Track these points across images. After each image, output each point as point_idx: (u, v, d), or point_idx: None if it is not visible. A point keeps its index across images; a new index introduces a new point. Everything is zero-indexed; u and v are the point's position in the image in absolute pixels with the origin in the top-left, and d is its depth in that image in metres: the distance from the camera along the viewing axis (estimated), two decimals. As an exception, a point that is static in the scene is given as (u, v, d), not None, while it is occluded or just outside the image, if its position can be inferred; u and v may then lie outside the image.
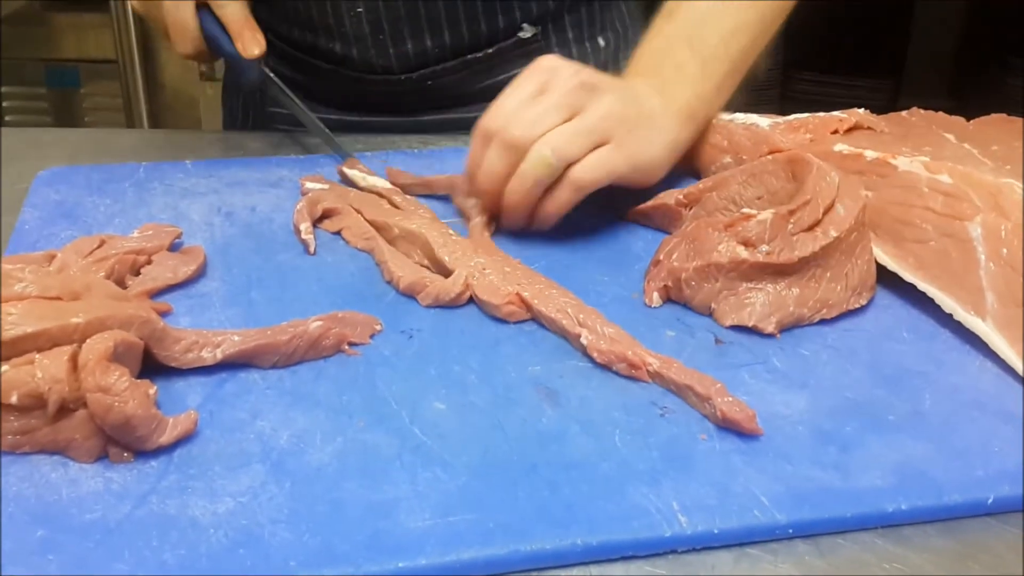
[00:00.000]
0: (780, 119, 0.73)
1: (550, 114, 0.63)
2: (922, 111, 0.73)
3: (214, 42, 0.74)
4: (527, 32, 0.86)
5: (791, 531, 0.45)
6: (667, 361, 0.53)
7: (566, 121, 0.63)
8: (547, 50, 0.87)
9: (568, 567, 0.44)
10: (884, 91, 2.39)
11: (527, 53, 0.86)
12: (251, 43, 0.73)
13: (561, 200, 0.64)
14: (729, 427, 0.50)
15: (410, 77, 0.86)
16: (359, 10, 0.82)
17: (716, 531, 0.45)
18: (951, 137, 0.67)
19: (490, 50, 0.86)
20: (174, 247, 0.62)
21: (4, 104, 1.98)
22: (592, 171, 0.64)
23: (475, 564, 0.43)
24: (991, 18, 2.36)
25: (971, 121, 0.71)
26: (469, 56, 0.86)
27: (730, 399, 0.50)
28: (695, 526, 0.45)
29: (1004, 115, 0.72)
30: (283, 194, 0.71)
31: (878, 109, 0.73)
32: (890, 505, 0.46)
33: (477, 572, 0.43)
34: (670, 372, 0.53)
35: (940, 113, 0.73)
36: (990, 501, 0.47)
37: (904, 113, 0.73)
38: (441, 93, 0.87)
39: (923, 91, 2.27)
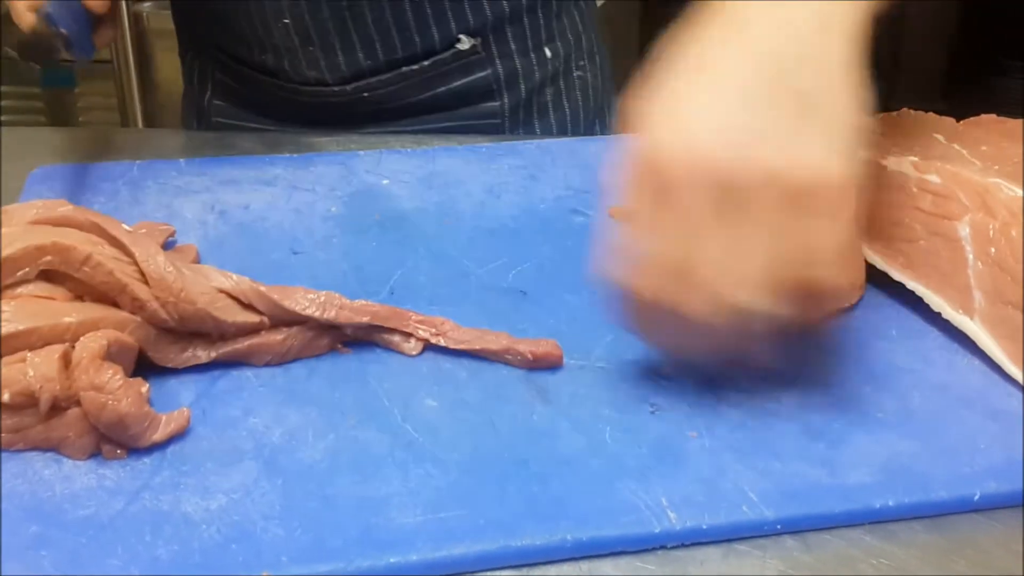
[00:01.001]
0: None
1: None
2: (912, 112, 0.73)
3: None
4: (465, 44, 0.83)
5: (779, 527, 0.46)
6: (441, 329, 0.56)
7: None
8: (489, 62, 0.85)
9: (558, 563, 0.44)
10: (877, 92, 2.40)
11: (467, 65, 0.84)
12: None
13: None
14: (542, 365, 0.54)
15: (344, 89, 0.84)
16: (285, 21, 0.80)
17: (705, 527, 0.45)
18: (940, 137, 0.68)
19: (426, 62, 0.84)
20: (168, 245, 0.63)
21: (0, 103, 1.98)
22: (831, 257, 0.46)
23: (466, 560, 0.44)
24: (984, 20, 2.37)
25: (961, 122, 0.71)
26: (404, 68, 0.83)
27: (527, 340, 0.54)
28: (684, 522, 0.45)
29: (994, 116, 0.73)
30: (277, 192, 0.72)
31: (872, 109, 0.73)
32: (877, 501, 0.47)
33: (468, 568, 0.44)
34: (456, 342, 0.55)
35: (930, 114, 0.73)
36: (977, 497, 0.47)
37: (894, 114, 0.73)
38: (379, 106, 0.85)
39: (916, 93, 2.27)
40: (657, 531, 0.45)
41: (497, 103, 0.87)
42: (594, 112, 0.94)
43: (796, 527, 0.46)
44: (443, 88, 0.85)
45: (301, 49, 0.82)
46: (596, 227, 0.58)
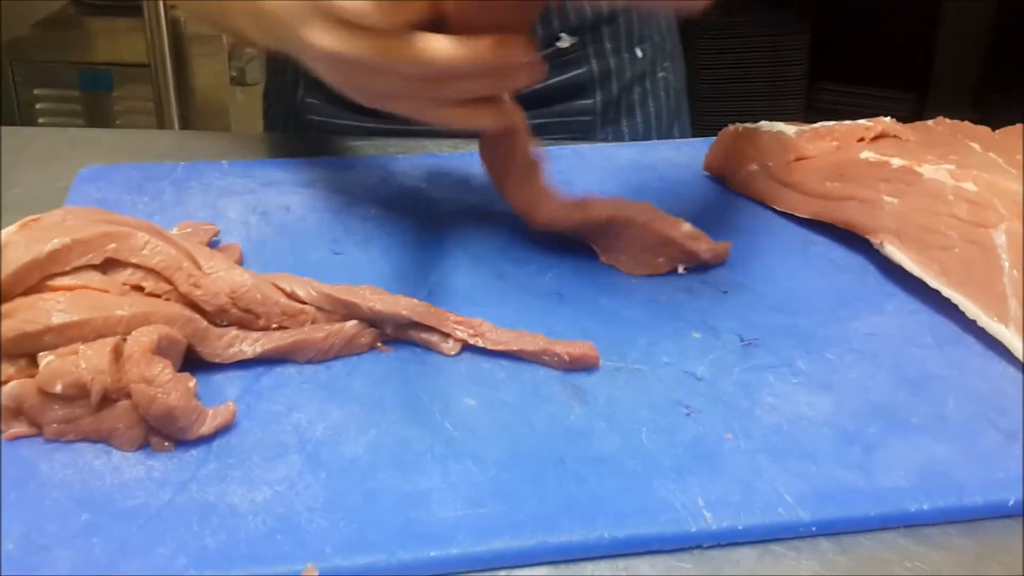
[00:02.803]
0: (806, 127, 0.74)
1: None
2: (947, 120, 0.73)
3: None
4: (565, 42, 0.87)
5: (814, 529, 0.46)
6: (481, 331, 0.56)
7: None
8: (585, 59, 0.88)
9: (595, 560, 0.45)
10: (909, 102, 2.39)
11: (565, 63, 0.87)
12: None
13: None
14: (578, 366, 0.55)
15: None
16: None
17: (741, 527, 0.46)
18: (976, 146, 0.68)
19: None
20: (212, 244, 0.64)
21: (38, 106, 2.01)
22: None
23: (505, 554, 0.44)
24: (1017, 30, 2.36)
25: (996, 131, 0.72)
26: None
27: (563, 342, 0.55)
28: (720, 522, 0.46)
29: (1030, 125, 0.73)
30: (316, 194, 0.73)
31: (903, 120, 0.74)
32: (912, 505, 0.47)
33: (507, 562, 0.44)
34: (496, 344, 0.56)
35: (965, 122, 0.73)
36: (1011, 503, 0.48)
37: (930, 122, 0.74)
38: None
39: (947, 102, 2.27)
40: (694, 530, 0.45)
41: (590, 100, 0.90)
42: (673, 113, 0.96)
43: (831, 529, 0.46)
44: (541, 84, 0.87)
45: None
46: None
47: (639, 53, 0.92)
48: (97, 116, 1.99)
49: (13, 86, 2.00)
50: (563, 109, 0.90)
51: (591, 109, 0.91)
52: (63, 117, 2.00)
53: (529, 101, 0.87)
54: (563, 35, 0.86)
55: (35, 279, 0.49)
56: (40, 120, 2.01)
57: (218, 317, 0.53)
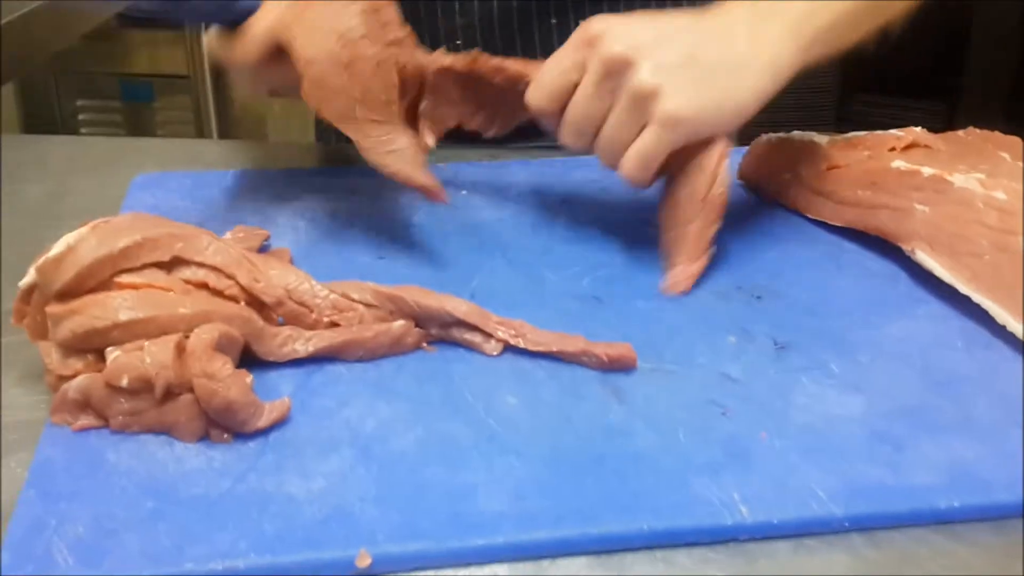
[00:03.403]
0: (838, 137, 0.75)
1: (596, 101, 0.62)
2: (978, 130, 0.75)
3: None
4: None
5: (847, 524, 0.48)
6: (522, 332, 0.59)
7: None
8: None
9: (635, 551, 0.47)
10: (940, 114, 2.39)
11: None
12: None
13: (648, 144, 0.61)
14: (616, 367, 0.57)
15: None
16: (458, 42, 0.85)
17: (775, 521, 0.47)
18: (1006, 156, 0.69)
19: None
20: (263, 249, 0.67)
21: (81, 116, 2.06)
22: (633, 166, 0.62)
23: (548, 544, 0.46)
24: (1051, 41, 2.35)
25: (1027, 141, 0.73)
26: None
27: (603, 344, 0.57)
28: (755, 516, 0.47)
29: (1060, 136, 0.74)
30: (362, 201, 0.75)
31: (934, 130, 0.75)
32: (942, 502, 0.48)
33: (550, 552, 0.46)
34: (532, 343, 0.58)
35: (996, 133, 0.74)
36: (1039, 501, 0.49)
37: (960, 132, 0.75)
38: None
39: (979, 114, 2.26)
40: (729, 524, 0.47)
41: None
42: None
43: (863, 524, 0.48)
44: None
45: None
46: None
47: None
48: (138, 126, 2.03)
49: (57, 97, 2.04)
50: None
51: None
52: (105, 127, 2.05)
53: None
54: None
55: (107, 274, 0.52)
56: (82, 130, 2.06)
57: (275, 310, 0.55)
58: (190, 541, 0.45)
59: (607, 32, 0.61)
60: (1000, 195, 0.62)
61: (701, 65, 0.61)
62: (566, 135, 0.64)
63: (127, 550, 0.45)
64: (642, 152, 0.61)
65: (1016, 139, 0.73)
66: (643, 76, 0.60)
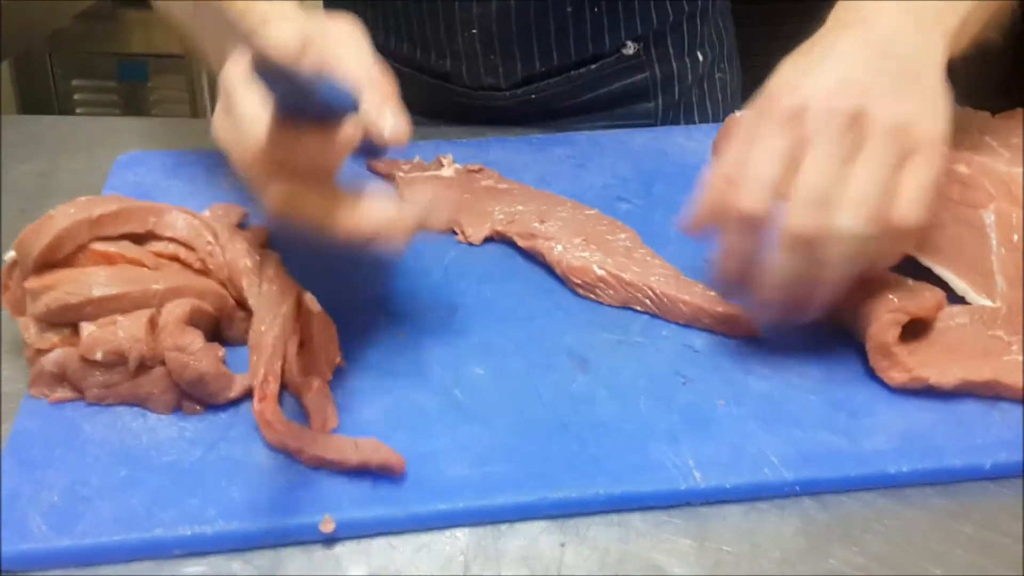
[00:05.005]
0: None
1: (826, 176, 0.51)
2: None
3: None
4: (630, 49, 0.88)
5: (798, 488, 0.49)
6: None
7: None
8: (648, 65, 0.90)
9: (592, 515, 0.49)
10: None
11: (628, 68, 0.90)
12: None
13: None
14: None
15: (515, 93, 0.89)
16: (473, 31, 0.85)
17: (728, 486, 0.49)
18: (973, 130, 0.70)
19: (593, 66, 0.89)
20: (242, 226, 0.68)
21: (76, 96, 2.07)
22: (918, 203, 0.52)
23: (507, 509, 0.48)
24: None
25: (995, 115, 0.74)
26: (573, 72, 0.89)
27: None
28: (709, 481, 0.49)
29: (1029, 110, 0.75)
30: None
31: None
32: (892, 467, 0.50)
33: (509, 516, 0.48)
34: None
35: (966, 108, 0.75)
36: (988, 466, 0.50)
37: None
38: (542, 107, 0.90)
39: (975, 88, 2.25)
40: (683, 488, 0.49)
41: (652, 104, 0.92)
42: (730, 112, 0.98)
43: (814, 489, 0.49)
44: (604, 90, 0.90)
45: (482, 56, 0.87)
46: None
47: (700, 56, 0.93)
48: (133, 105, 2.04)
49: (52, 76, 2.05)
50: (624, 112, 0.92)
51: (651, 112, 0.93)
52: (101, 107, 2.06)
53: (590, 107, 0.91)
54: (628, 43, 0.89)
55: (83, 238, 0.54)
56: (78, 110, 2.07)
57: (230, 288, 0.57)
58: (161, 506, 0.47)
59: (806, 96, 0.53)
60: (962, 168, 0.63)
61: (907, 78, 0.54)
62: (801, 216, 0.51)
63: (100, 516, 0.46)
64: (921, 186, 0.52)
65: (985, 113, 0.74)
66: (887, 111, 0.52)
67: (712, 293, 0.60)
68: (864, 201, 0.50)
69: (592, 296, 0.62)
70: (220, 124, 0.52)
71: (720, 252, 0.55)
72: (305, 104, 0.48)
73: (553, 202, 0.70)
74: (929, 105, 0.54)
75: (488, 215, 0.69)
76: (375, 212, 0.51)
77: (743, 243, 0.53)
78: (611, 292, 0.62)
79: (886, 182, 0.51)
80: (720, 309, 0.59)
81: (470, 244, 0.68)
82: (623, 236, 0.66)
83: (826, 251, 0.51)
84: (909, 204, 0.51)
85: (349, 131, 0.49)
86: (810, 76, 0.53)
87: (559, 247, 0.64)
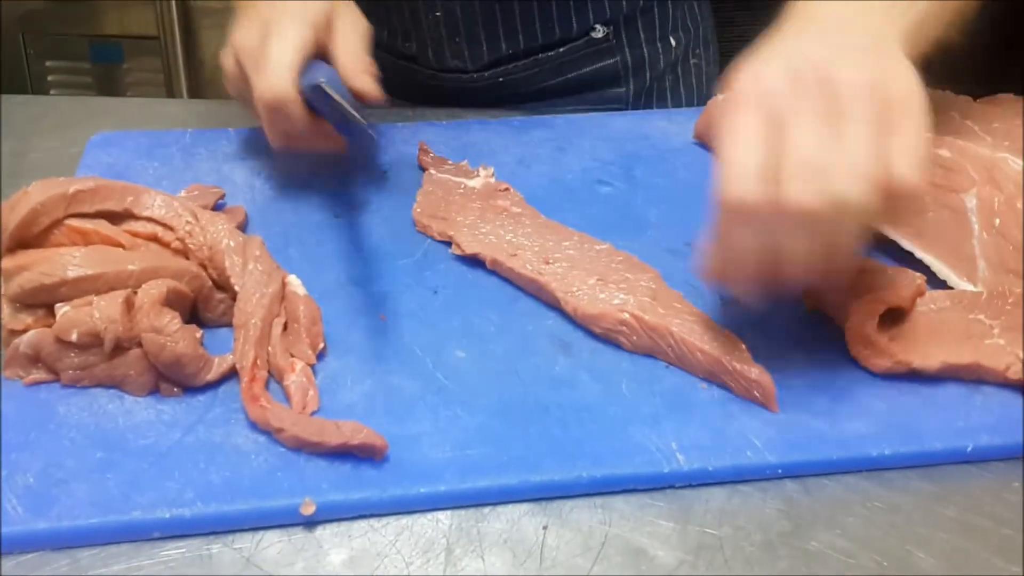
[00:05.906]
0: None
1: (819, 150, 0.49)
2: (930, 90, 0.75)
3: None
4: (599, 32, 0.88)
5: (780, 471, 0.49)
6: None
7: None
8: (619, 49, 0.90)
9: (575, 498, 0.48)
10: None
11: (597, 52, 0.89)
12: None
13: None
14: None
15: (482, 75, 0.89)
16: (437, 13, 0.85)
17: (710, 469, 0.49)
18: (955, 115, 0.70)
19: (562, 49, 0.88)
20: (218, 207, 0.67)
21: (50, 78, 2.04)
22: (914, 163, 0.49)
23: (489, 492, 0.48)
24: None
25: (977, 100, 0.74)
26: (541, 55, 0.88)
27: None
28: (691, 464, 0.49)
29: (1011, 95, 0.75)
30: (319, 160, 0.75)
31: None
32: (874, 450, 0.50)
33: (491, 499, 0.48)
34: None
35: (947, 92, 0.75)
36: (969, 449, 0.50)
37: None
38: (510, 90, 0.90)
39: (952, 72, 2.25)
40: (666, 471, 0.49)
41: (623, 89, 0.92)
42: (705, 97, 0.98)
43: (797, 472, 0.49)
44: (573, 74, 0.90)
45: (447, 39, 0.87)
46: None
47: (672, 42, 0.93)
48: (108, 87, 2.01)
49: (26, 58, 2.02)
50: (595, 97, 0.92)
51: (623, 97, 0.93)
52: (75, 89, 2.03)
53: (560, 91, 0.91)
54: (597, 26, 0.88)
55: (59, 213, 0.53)
56: (52, 91, 2.04)
57: (209, 269, 0.56)
58: (138, 490, 0.46)
59: (772, 79, 0.51)
60: (944, 152, 0.63)
61: (869, 51, 0.52)
62: (799, 191, 0.48)
63: (76, 499, 0.46)
64: (913, 146, 0.50)
65: (966, 98, 0.74)
66: (856, 73, 0.50)
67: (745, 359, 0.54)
68: (861, 166, 0.48)
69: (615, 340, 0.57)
70: (243, 42, 0.66)
71: (715, 244, 0.53)
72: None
73: (561, 235, 0.65)
74: (896, 65, 0.52)
75: (483, 235, 0.65)
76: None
77: (742, 236, 0.51)
78: (635, 338, 0.56)
79: (877, 145, 0.49)
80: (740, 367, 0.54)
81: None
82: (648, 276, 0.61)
83: (830, 223, 0.49)
84: (907, 165, 0.49)
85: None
86: (772, 65, 0.52)
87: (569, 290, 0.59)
